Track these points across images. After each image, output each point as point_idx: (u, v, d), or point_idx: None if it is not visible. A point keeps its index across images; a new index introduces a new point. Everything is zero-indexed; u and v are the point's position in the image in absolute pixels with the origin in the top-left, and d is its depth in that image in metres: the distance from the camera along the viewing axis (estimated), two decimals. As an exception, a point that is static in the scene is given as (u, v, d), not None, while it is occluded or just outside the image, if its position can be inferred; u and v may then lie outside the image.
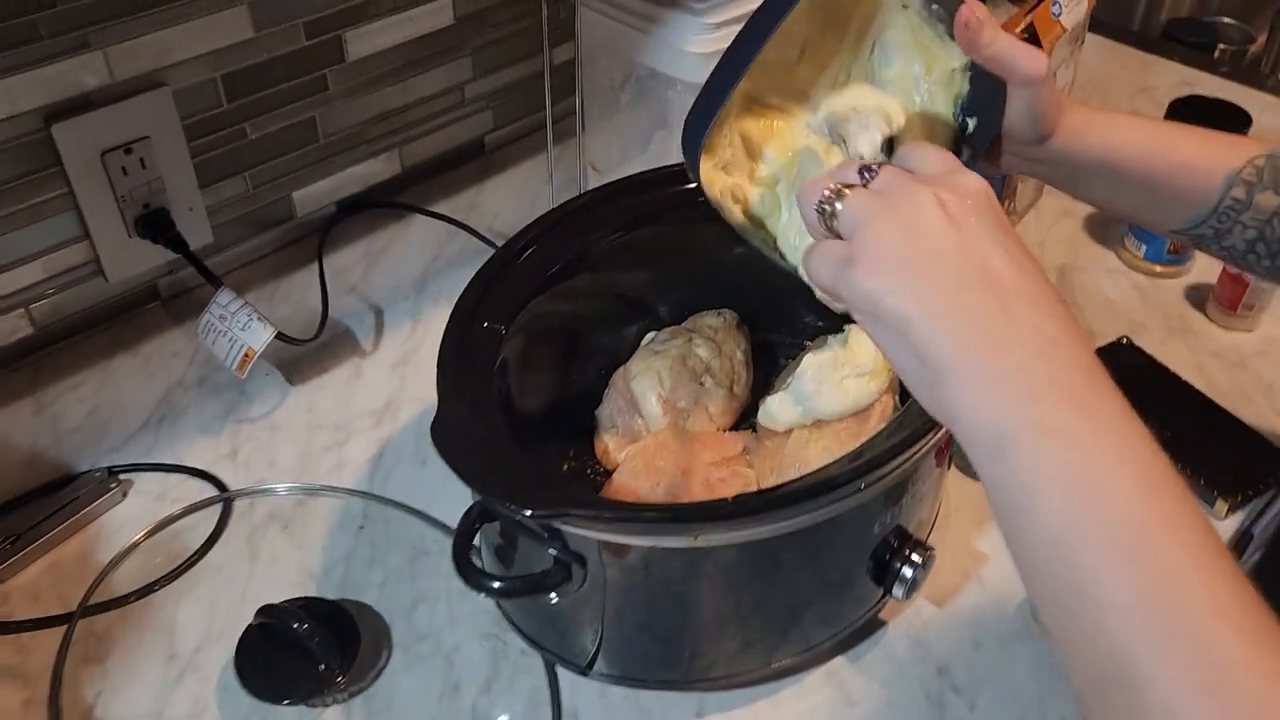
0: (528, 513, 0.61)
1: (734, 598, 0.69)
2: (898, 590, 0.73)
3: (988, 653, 0.78)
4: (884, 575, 0.72)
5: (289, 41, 0.92)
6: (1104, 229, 1.16)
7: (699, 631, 0.71)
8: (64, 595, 0.82)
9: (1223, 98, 1.14)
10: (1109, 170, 0.70)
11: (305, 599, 0.79)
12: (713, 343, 0.86)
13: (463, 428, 0.65)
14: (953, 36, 0.65)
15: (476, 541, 0.70)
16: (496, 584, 0.65)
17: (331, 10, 0.93)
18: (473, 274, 0.78)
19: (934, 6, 0.66)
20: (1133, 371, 0.98)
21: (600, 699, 0.75)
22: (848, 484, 0.63)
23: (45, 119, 0.80)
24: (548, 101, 1.00)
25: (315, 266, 1.00)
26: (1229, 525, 0.86)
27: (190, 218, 0.91)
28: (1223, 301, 1.04)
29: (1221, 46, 1.60)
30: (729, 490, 0.77)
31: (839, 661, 0.77)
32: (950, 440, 0.73)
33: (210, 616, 0.81)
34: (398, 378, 1.01)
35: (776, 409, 0.77)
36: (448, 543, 0.83)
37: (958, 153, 0.69)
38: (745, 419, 0.86)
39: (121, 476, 0.91)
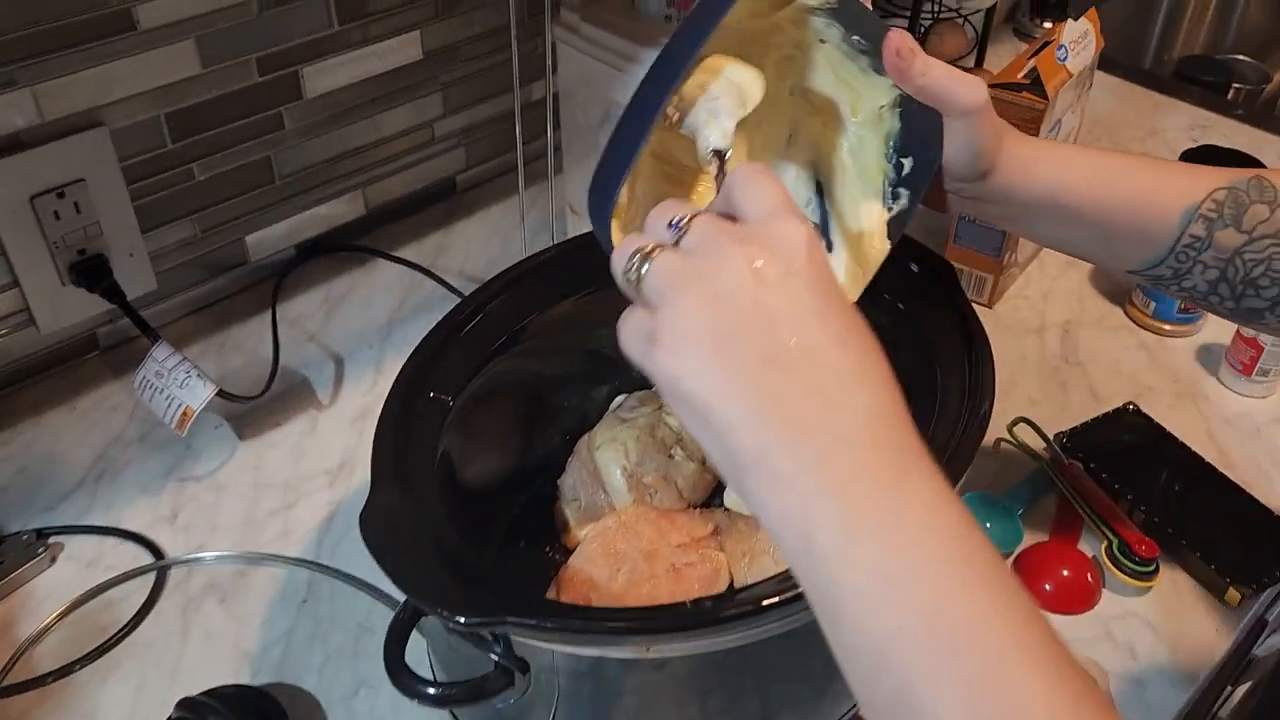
0: (460, 620, 0.54)
1: (697, 706, 0.62)
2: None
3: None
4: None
5: (240, 78, 0.86)
6: (1111, 283, 1.10)
7: (658, 739, 0.64)
8: (-23, 674, 0.76)
9: (1237, 145, 1.08)
10: (1057, 208, 0.64)
11: (234, 687, 0.72)
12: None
13: (395, 519, 0.59)
14: (877, 70, 0.60)
15: (418, 636, 0.63)
16: (431, 690, 0.59)
17: (287, 45, 0.87)
18: (438, 319, 0.72)
19: (855, 39, 0.60)
20: (1139, 440, 0.91)
21: (550, 806, 0.68)
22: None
23: (-34, 161, 0.75)
24: (518, 141, 0.94)
25: (269, 315, 0.94)
26: (1241, 611, 0.80)
27: (130, 264, 0.85)
28: (1236, 365, 0.97)
29: (1236, 86, 1.54)
30: (696, 576, 0.70)
31: (814, 766, 0.71)
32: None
33: (135, 700, 0.75)
34: (356, 433, 0.95)
35: None
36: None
37: (895, 196, 0.63)
38: (719, 493, 0.80)
39: (51, 540, 0.85)
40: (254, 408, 0.94)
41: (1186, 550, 0.82)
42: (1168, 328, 1.04)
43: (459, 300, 0.99)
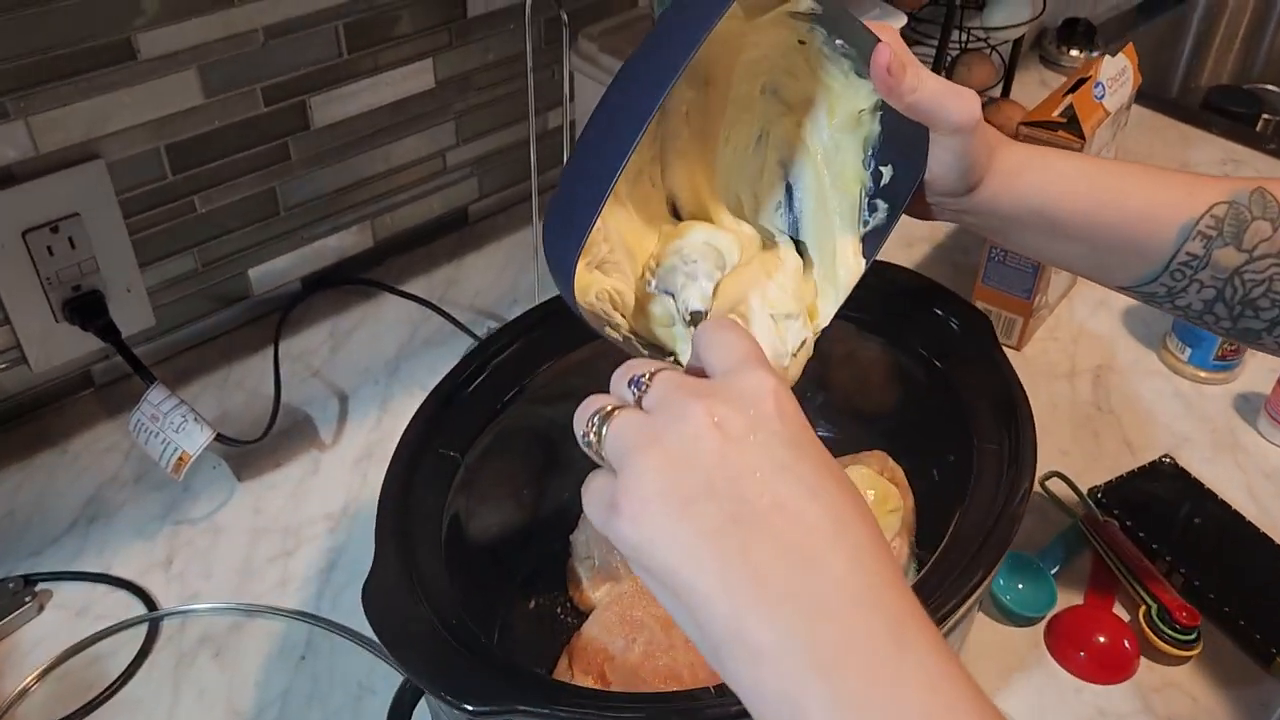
0: (468, 708, 0.51)
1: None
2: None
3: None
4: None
5: (245, 108, 0.83)
6: (1145, 325, 1.06)
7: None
8: (-42, 733, 0.72)
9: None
10: (1043, 221, 0.60)
11: (226, 754, 0.69)
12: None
13: (400, 590, 0.55)
14: (859, 74, 0.56)
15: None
16: (435, 775, 0.55)
17: (294, 74, 0.84)
18: (449, 356, 0.69)
19: (838, 43, 0.56)
20: (1176, 496, 0.88)
21: None
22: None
23: (-44, 195, 0.72)
24: (533, 171, 0.91)
25: (272, 351, 0.90)
26: (1288, 687, 0.76)
27: (127, 300, 0.82)
28: (1276, 415, 0.93)
29: (1265, 117, 1.51)
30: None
31: None
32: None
33: (122, 764, 0.71)
34: (359, 475, 0.91)
35: None
36: (398, 681, 0.75)
37: (872, 209, 0.60)
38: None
39: (39, 587, 0.81)
40: (255, 446, 0.90)
41: (1229, 617, 0.78)
42: (1203, 374, 1.00)
43: (468, 338, 0.97)
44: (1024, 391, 0.66)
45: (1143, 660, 0.77)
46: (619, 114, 0.50)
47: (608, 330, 0.57)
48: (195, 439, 0.78)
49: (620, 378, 0.44)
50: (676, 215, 0.62)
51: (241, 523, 0.87)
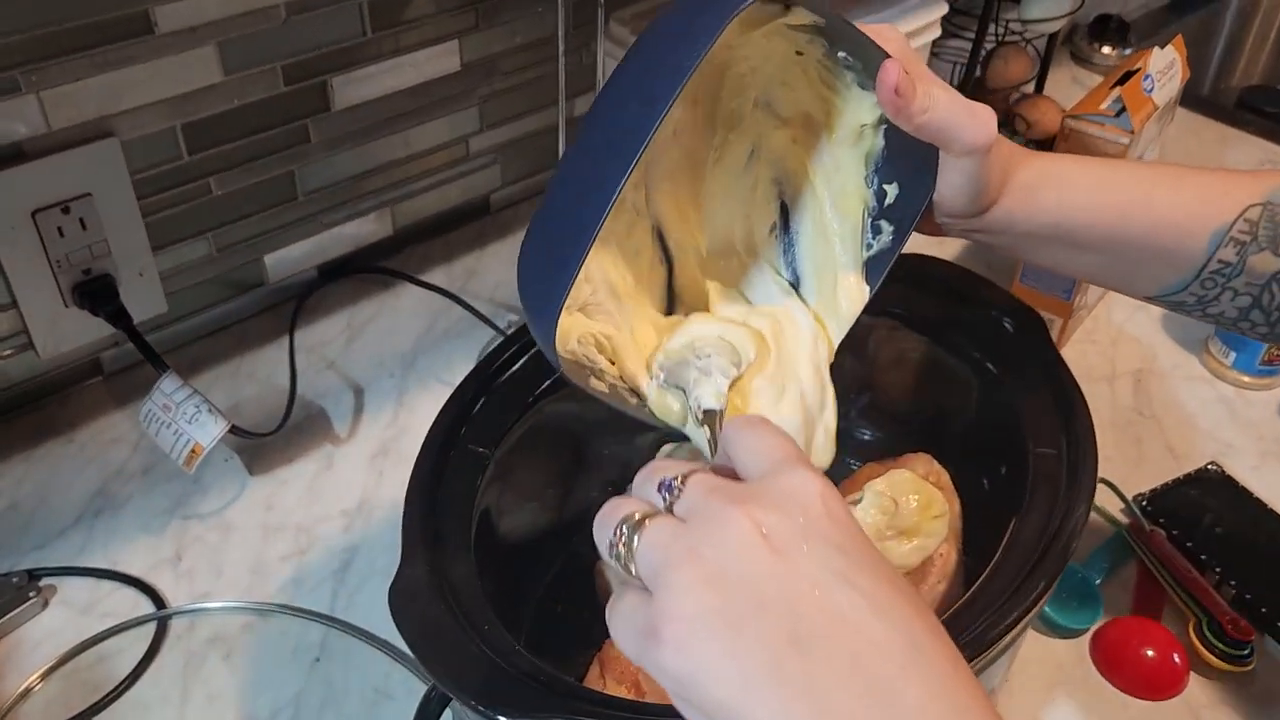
0: (500, 718, 0.48)
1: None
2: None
3: None
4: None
5: (264, 87, 0.80)
6: (1185, 328, 1.03)
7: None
8: (-41, 733, 0.69)
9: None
10: (1063, 236, 0.57)
11: (237, 761, 0.66)
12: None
13: (430, 595, 0.52)
14: (863, 86, 0.53)
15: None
16: (462, 790, 0.52)
17: (316, 53, 0.81)
18: (468, 349, 0.65)
19: (840, 55, 0.53)
20: (1224, 505, 0.84)
21: None
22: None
23: (-37, 172, 0.69)
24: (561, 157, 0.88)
25: (287, 340, 0.87)
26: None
27: (140, 284, 0.79)
28: (1325, 424, 0.90)
29: (1301, 118, 1.47)
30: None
31: None
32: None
33: (128, 769, 0.68)
34: (374, 471, 0.88)
35: None
36: (417, 686, 0.72)
37: (876, 230, 0.56)
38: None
39: (44, 582, 0.78)
40: (268, 439, 0.87)
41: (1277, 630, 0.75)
42: (1247, 379, 0.97)
43: (488, 330, 0.94)
44: (1082, 395, 0.63)
45: (1192, 676, 0.73)
46: (601, 153, 0.45)
47: (591, 381, 0.53)
48: (209, 431, 0.75)
49: (646, 480, 0.40)
50: (663, 243, 0.59)
51: (253, 519, 0.84)
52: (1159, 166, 0.59)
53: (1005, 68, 1.18)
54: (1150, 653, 0.74)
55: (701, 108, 0.57)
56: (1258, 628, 0.74)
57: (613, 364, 0.55)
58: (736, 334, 0.54)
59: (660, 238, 0.58)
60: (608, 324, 0.55)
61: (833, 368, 0.60)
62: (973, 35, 1.09)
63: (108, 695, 0.72)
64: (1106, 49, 1.45)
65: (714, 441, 0.51)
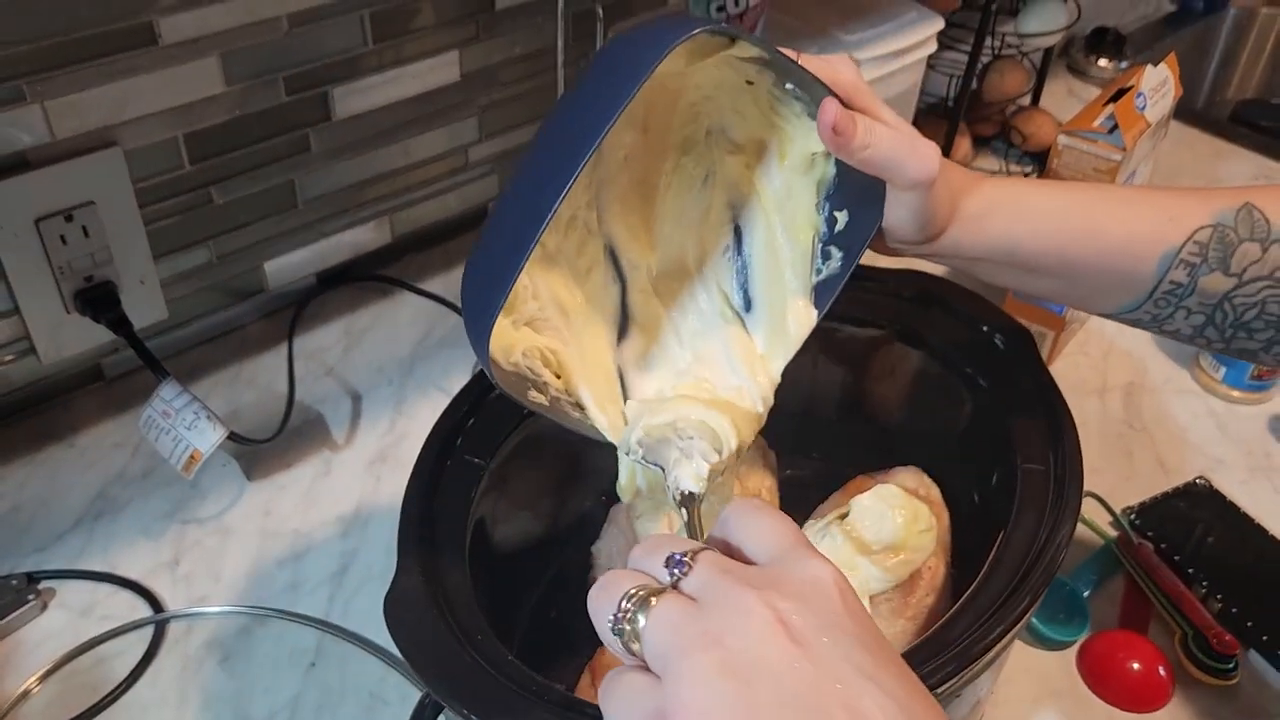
0: (495, 729, 0.49)
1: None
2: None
3: None
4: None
5: (266, 97, 0.81)
6: (1176, 344, 1.03)
7: None
8: (-42, 734, 0.70)
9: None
10: (1015, 261, 0.58)
11: (233, 765, 0.66)
12: (733, 477, 0.73)
13: (424, 605, 0.53)
14: (812, 116, 0.53)
15: None
16: (454, 796, 0.53)
17: (318, 64, 0.82)
18: (466, 357, 0.66)
19: (788, 86, 0.54)
20: (1212, 519, 0.85)
21: None
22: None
23: (-32, 180, 0.69)
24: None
25: (286, 347, 0.88)
26: (1328, 721, 0.73)
27: (141, 291, 0.79)
28: (1313, 439, 0.91)
29: (1295, 132, 1.48)
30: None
31: None
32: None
33: (125, 772, 0.69)
34: (372, 478, 0.89)
35: None
36: (412, 692, 0.72)
37: (825, 256, 0.57)
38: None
39: (43, 585, 0.79)
40: (265, 445, 0.88)
41: (1269, 645, 0.76)
42: (1237, 394, 0.98)
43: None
44: (1070, 413, 0.64)
45: (1178, 689, 0.74)
46: (543, 171, 0.46)
47: (531, 394, 0.54)
48: (208, 437, 0.76)
49: (650, 554, 0.38)
50: (614, 261, 0.60)
51: (251, 524, 0.85)
52: (1109, 189, 0.61)
53: (1001, 81, 1.18)
54: (1136, 666, 0.75)
55: (654, 134, 0.58)
56: (1243, 642, 0.75)
57: (558, 378, 0.56)
58: (720, 421, 0.54)
59: (613, 257, 0.59)
60: (555, 339, 0.56)
61: (823, 381, 0.61)
62: (969, 48, 1.10)
63: (105, 698, 0.73)
64: (1103, 62, 1.46)
65: (695, 526, 0.51)
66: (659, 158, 0.58)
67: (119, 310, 0.77)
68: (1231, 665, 0.74)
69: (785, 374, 0.59)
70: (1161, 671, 0.74)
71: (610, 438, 0.57)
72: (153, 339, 0.80)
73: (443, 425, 0.64)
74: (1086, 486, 0.86)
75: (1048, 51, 1.24)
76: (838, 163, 0.55)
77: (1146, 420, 0.96)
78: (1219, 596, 0.78)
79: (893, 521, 0.65)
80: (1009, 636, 0.56)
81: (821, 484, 0.73)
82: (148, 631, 0.77)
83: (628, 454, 0.55)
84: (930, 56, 1.10)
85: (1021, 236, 0.57)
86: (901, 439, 0.75)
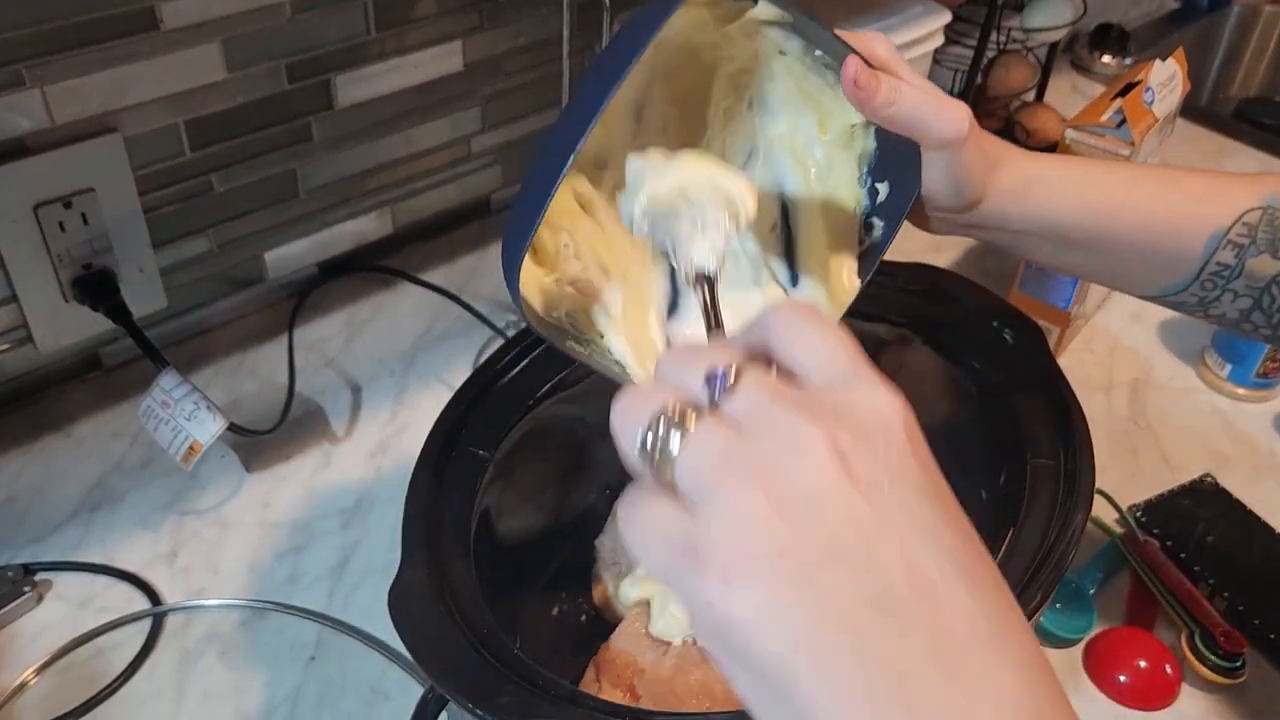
0: (498, 723, 0.48)
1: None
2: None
3: None
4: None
5: (268, 85, 0.80)
6: (1182, 339, 1.03)
7: None
8: (-47, 727, 0.69)
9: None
10: (1059, 238, 0.57)
11: (232, 759, 0.66)
12: None
13: (428, 598, 0.52)
14: None
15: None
16: (458, 792, 0.52)
17: (321, 51, 0.81)
18: (468, 349, 0.65)
19: (817, 53, 0.53)
20: (1218, 517, 0.85)
21: None
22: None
23: (-34, 165, 0.68)
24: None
25: (286, 338, 0.87)
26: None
27: (140, 280, 0.79)
28: (1319, 437, 0.91)
29: (1298, 131, 1.48)
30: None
31: None
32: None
33: (122, 766, 0.68)
34: (372, 470, 0.88)
35: None
36: (413, 686, 0.72)
37: (868, 227, 0.56)
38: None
39: (39, 577, 0.78)
40: (264, 438, 0.87)
41: (1275, 644, 0.75)
42: (1243, 392, 0.97)
43: (487, 331, 0.94)
44: (1080, 407, 0.63)
45: (1184, 687, 0.74)
46: (572, 119, 0.46)
47: (569, 343, 0.53)
48: (208, 428, 0.75)
49: (686, 365, 0.32)
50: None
51: (250, 515, 0.84)
52: (1155, 169, 0.59)
53: (1006, 76, 1.18)
54: (1143, 663, 0.74)
55: (691, 107, 0.57)
56: (1250, 640, 0.75)
57: (602, 337, 0.56)
58: (732, 183, 0.46)
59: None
60: (597, 300, 0.55)
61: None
62: (974, 43, 1.09)
63: (103, 690, 0.72)
64: (1107, 58, 1.45)
65: (711, 315, 0.45)
66: (698, 129, 0.57)
67: (118, 298, 0.76)
68: (1238, 663, 0.73)
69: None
70: (1168, 669, 0.74)
71: None
72: (152, 328, 0.80)
73: (447, 417, 0.63)
74: (1097, 485, 0.86)
75: (1053, 47, 1.24)
76: (877, 134, 0.55)
77: (1152, 418, 0.95)
78: (1226, 594, 0.78)
79: None
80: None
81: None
82: (145, 624, 0.76)
83: (631, 227, 0.48)
84: (936, 51, 1.09)
85: (1068, 211, 0.56)
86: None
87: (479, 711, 0.48)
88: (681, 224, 0.46)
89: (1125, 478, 0.89)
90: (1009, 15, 1.19)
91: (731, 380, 0.31)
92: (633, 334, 0.56)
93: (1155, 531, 0.83)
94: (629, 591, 0.66)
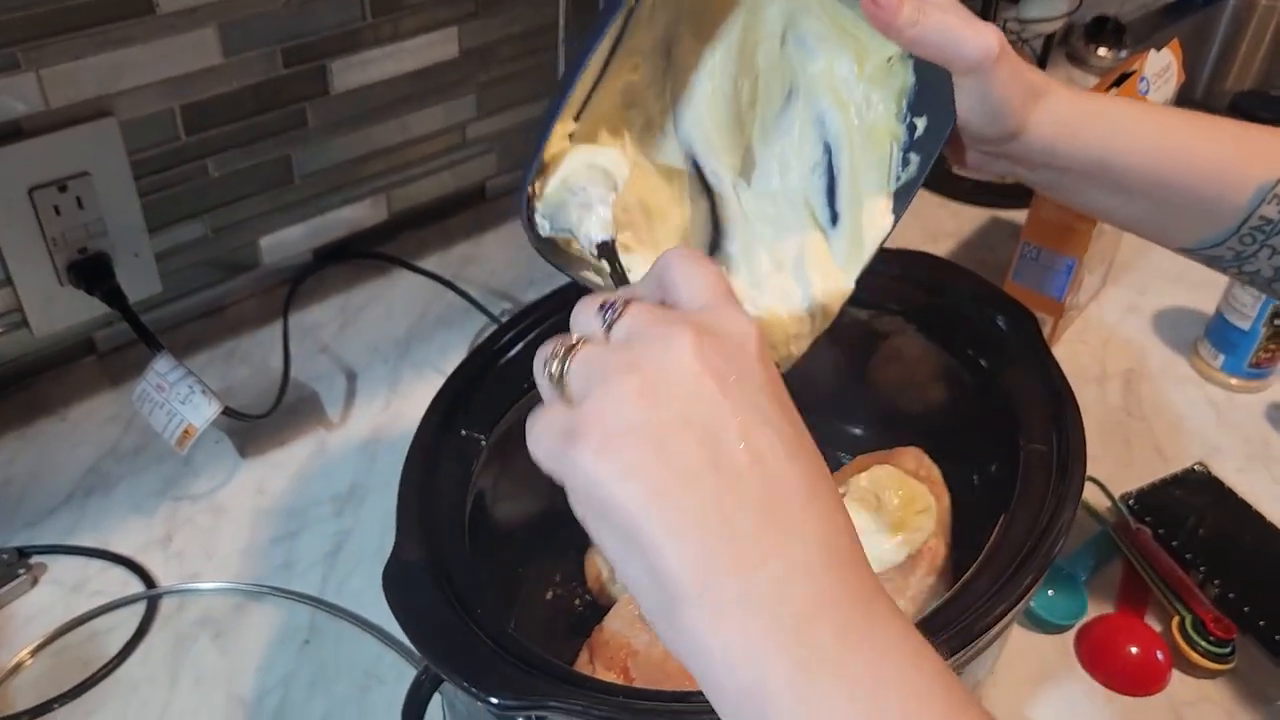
0: (494, 702, 0.48)
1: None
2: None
3: None
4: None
5: (264, 70, 0.80)
6: (1176, 330, 1.03)
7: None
8: (-53, 708, 0.69)
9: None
10: (1107, 176, 0.56)
11: (226, 741, 0.66)
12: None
13: (423, 577, 0.52)
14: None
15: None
16: (451, 770, 0.52)
17: (316, 37, 0.81)
18: (462, 336, 0.66)
19: None
20: (1210, 506, 0.85)
21: None
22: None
23: (-39, 148, 0.68)
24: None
25: (281, 324, 0.87)
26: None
27: (135, 264, 0.79)
28: (1311, 427, 0.91)
29: (1292, 124, 1.48)
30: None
31: None
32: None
33: (115, 748, 0.68)
34: (366, 457, 0.88)
35: None
36: (408, 670, 0.72)
37: (905, 163, 0.56)
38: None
39: (33, 560, 0.78)
40: (259, 422, 0.87)
41: (1266, 630, 0.75)
42: (1235, 382, 0.98)
43: (481, 318, 0.94)
44: (1073, 393, 0.64)
45: (1175, 673, 0.74)
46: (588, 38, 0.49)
47: (584, 273, 0.54)
48: (202, 412, 0.75)
49: (585, 308, 0.40)
50: (697, 168, 0.59)
51: (244, 501, 0.84)
52: (1206, 116, 0.58)
53: (1002, 67, 1.18)
54: (1134, 649, 0.75)
55: (720, 43, 0.57)
56: (1240, 627, 0.75)
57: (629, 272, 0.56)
58: (602, 156, 0.52)
59: (698, 170, 0.58)
60: (633, 239, 0.55)
61: (825, 362, 0.60)
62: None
63: (96, 673, 0.72)
64: (1102, 50, 1.45)
65: (617, 274, 0.50)
66: (726, 63, 0.57)
67: (113, 283, 0.76)
68: (1229, 650, 0.74)
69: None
70: (1159, 655, 0.74)
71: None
72: (146, 313, 0.80)
73: (443, 398, 0.63)
74: (1089, 474, 0.86)
75: (1048, 38, 1.24)
76: (916, 69, 0.54)
77: (1145, 408, 0.96)
78: (1216, 582, 0.78)
79: (889, 503, 0.65)
80: (1009, 617, 0.55)
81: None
82: (140, 607, 0.76)
83: (543, 231, 0.53)
84: (931, 41, 1.09)
85: (1117, 149, 0.55)
86: (903, 420, 0.75)
87: (474, 690, 0.49)
88: (571, 211, 0.51)
89: (1118, 467, 0.89)
90: (1005, 6, 1.19)
91: (619, 311, 0.38)
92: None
93: (1147, 520, 0.83)
94: None
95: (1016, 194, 1.14)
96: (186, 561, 0.79)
